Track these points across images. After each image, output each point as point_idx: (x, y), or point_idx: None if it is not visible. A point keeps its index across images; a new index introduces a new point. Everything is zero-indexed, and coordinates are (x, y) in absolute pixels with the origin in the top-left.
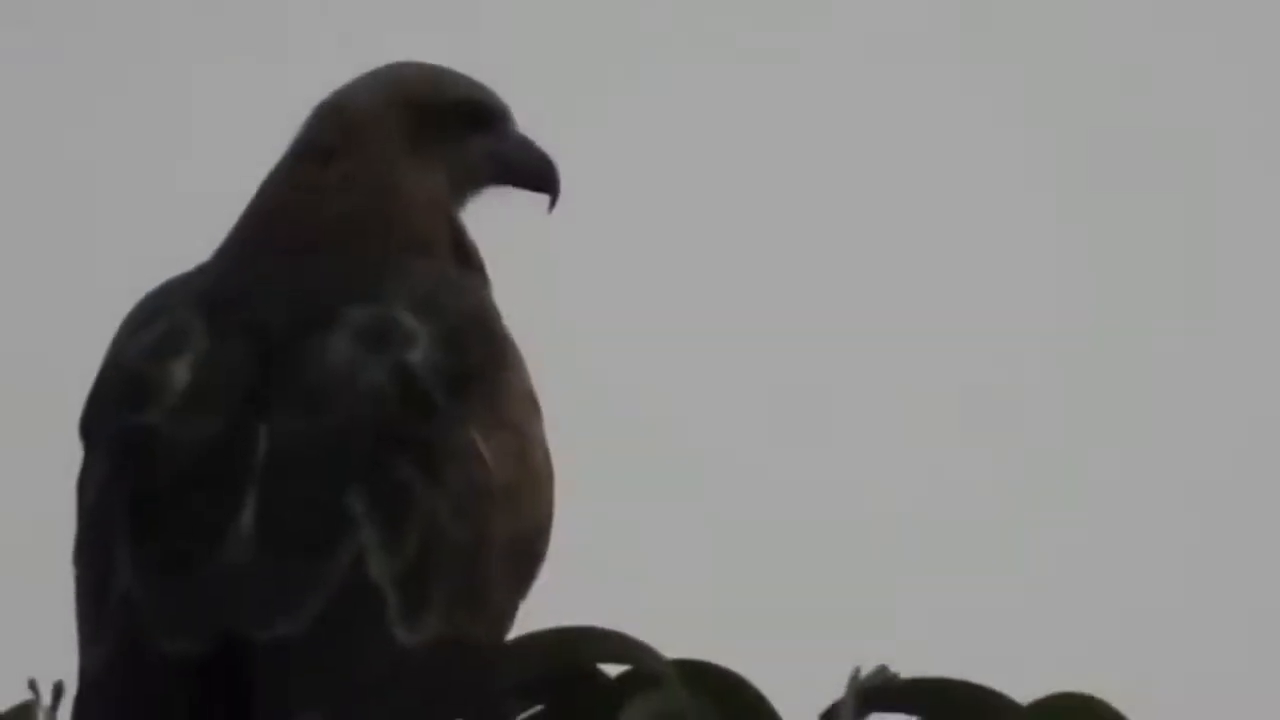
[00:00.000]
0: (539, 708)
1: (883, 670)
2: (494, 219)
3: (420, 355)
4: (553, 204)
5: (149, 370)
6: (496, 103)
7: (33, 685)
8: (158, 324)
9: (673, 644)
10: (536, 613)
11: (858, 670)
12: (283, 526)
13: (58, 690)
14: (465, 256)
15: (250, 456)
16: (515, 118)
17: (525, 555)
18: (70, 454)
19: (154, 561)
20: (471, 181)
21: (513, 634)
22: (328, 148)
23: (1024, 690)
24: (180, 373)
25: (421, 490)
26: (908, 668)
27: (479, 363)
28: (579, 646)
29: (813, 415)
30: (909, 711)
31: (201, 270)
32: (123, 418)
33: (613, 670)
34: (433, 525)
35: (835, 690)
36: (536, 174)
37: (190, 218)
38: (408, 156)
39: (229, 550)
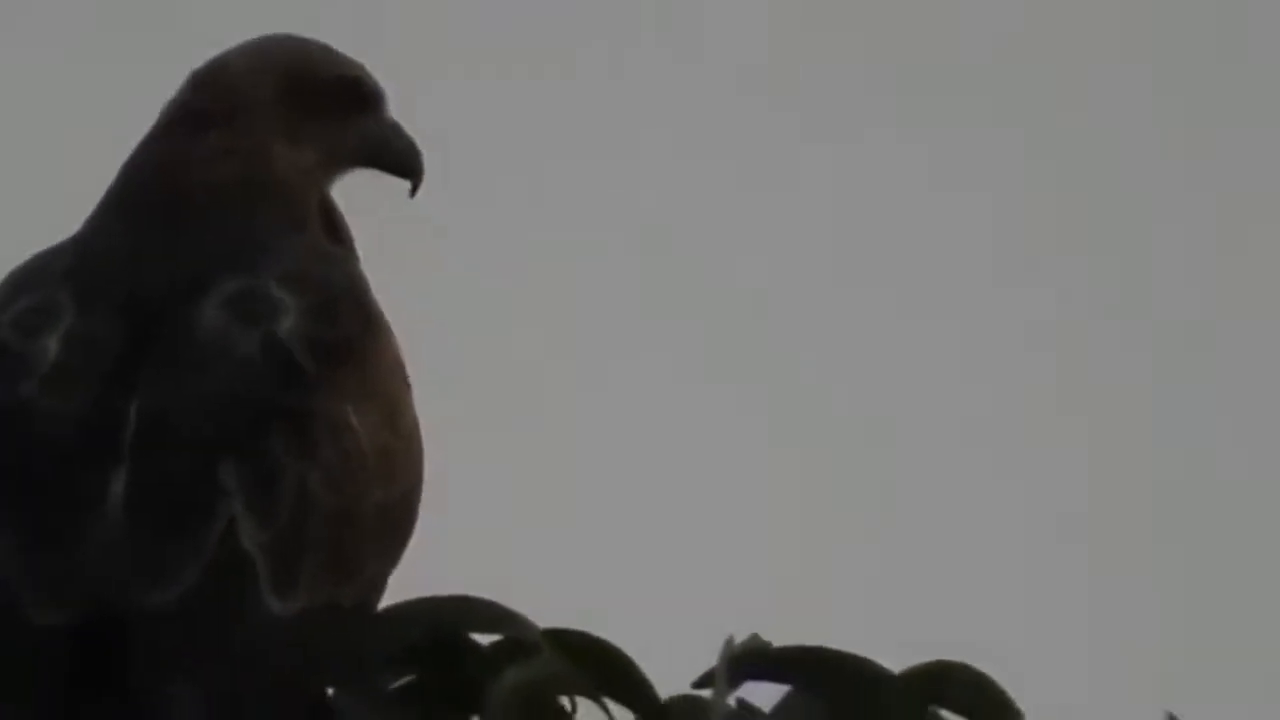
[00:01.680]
0: (412, 677)
1: (755, 639)
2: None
3: (290, 326)
4: (414, 190)
5: (18, 345)
6: (373, 85)
7: None
8: (25, 298)
9: (543, 614)
10: (407, 582)
11: (731, 638)
12: (154, 499)
13: None
14: (334, 230)
15: (120, 430)
16: (389, 103)
17: (395, 523)
18: None
19: (24, 535)
20: (343, 160)
21: (384, 603)
22: (203, 116)
23: (898, 661)
24: (50, 347)
25: (292, 460)
26: (782, 638)
27: (349, 334)
28: (451, 615)
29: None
30: (781, 680)
31: (74, 241)
32: None
33: (485, 639)
34: (303, 495)
35: (709, 659)
36: (404, 161)
37: None
38: (283, 130)
39: (100, 523)
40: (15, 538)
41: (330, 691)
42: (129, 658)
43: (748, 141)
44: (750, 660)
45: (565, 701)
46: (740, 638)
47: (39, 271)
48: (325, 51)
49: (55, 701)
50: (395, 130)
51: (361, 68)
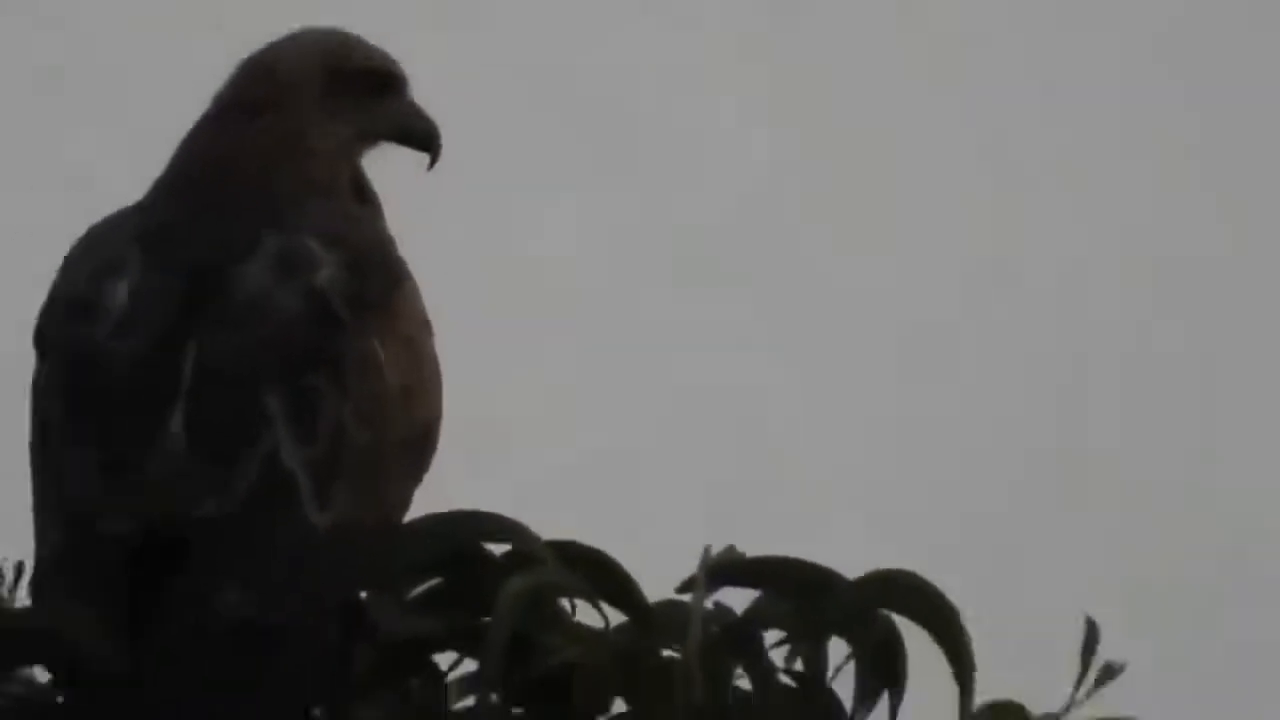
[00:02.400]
0: (434, 581)
1: (730, 549)
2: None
3: (327, 278)
4: (433, 163)
5: (92, 292)
6: (399, 72)
7: None
8: (100, 252)
9: (546, 525)
10: (430, 499)
11: (708, 549)
12: (209, 425)
13: (18, 569)
14: (364, 196)
15: (179, 368)
16: (412, 87)
17: (418, 450)
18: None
19: (95, 458)
20: (373, 136)
21: (409, 517)
22: (255, 101)
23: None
24: (119, 295)
25: (329, 394)
26: (755, 549)
27: (378, 286)
28: (466, 529)
29: None
30: (752, 585)
31: (138, 207)
32: (70, 332)
33: (496, 550)
34: (338, 424)
35: (690, 566)
36: (424, 138)
37: None
38: (322, 112)
39: (161, 446)
40: (88, 460)
41: (363, 595)
42: (185, 563)
43: None
44: (725, 568)
45: (565, 603)
46: (717, 549)
47: (111, 232)
48: (358, 42)
49: (120, 602)
50: (417, 111)
51: (389, 56)
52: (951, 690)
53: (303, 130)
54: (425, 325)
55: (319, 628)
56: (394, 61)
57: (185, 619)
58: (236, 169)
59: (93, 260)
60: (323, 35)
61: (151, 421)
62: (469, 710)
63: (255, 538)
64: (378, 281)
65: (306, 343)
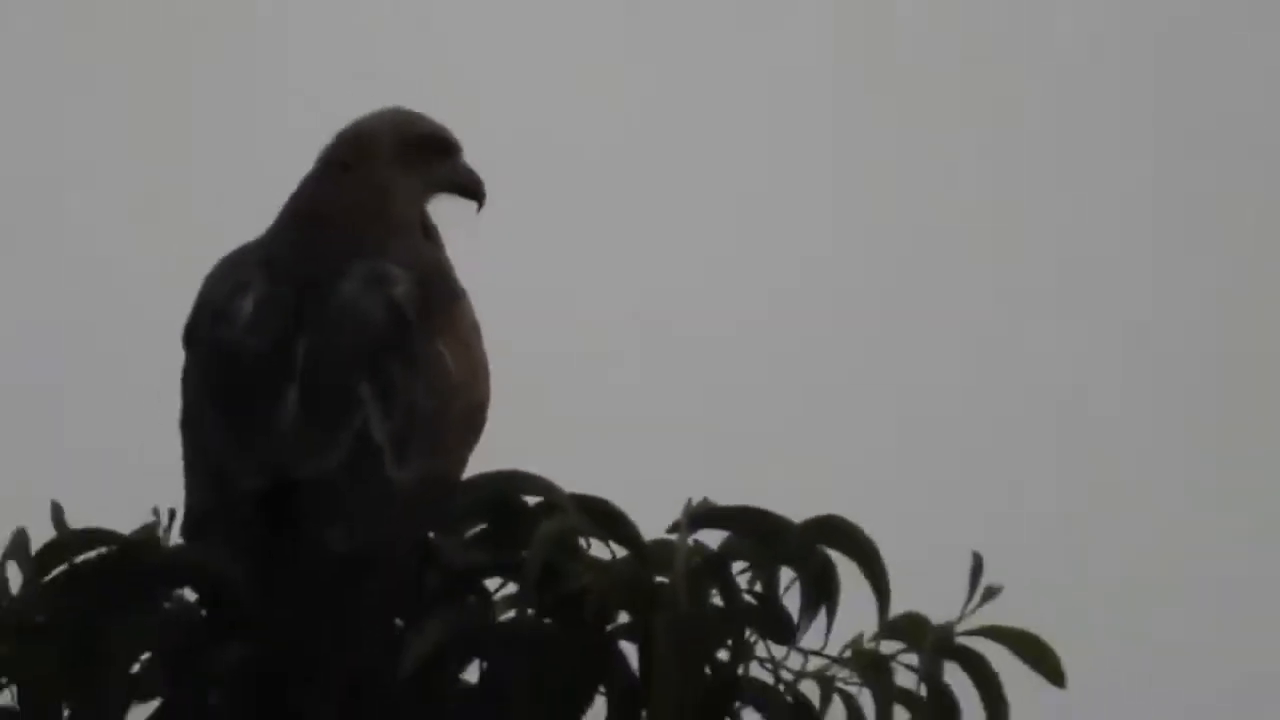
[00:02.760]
0: (483, 525)
1: (705, 501)
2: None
3: (402, 293)
4: (480, 209)
5: (227, 303)
6: (454, 140)
7: (155, 511)
8: (233, 273)
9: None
10: (480, 462)
11: (690, 500)
12: (316, 404)
13: (172, 515)
14: (430, 234)
15: (293, 359)
16: (463, 150)
17: (471, 424)
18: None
19: (230, 429)
20: (436, 189)
21: (465, 475)
22: (346, 162)
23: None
24: (247, 306)
25: (404, 380)
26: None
27: (440, 299)
28: (509, 484)
29: None
30: (722, 528)
31: (260, 241)
32: (211, 332)
33: (532, 501)
34: (411, 402)
35: (675, 513)
36: (474, 192)
37: None
38: (397, 170)
39: (280, 420)
40: (226, 432)
41: (431, 534)
42: (299, 510)
43: None
44: (702, 515)
45: (583, 542)
46: (696, 500)
47: (241, 259)
48: (422, 117)
49: (250, 541)
50: (468, 170)
51: (445, 128)
52: (872, 606)
53: (383, 185)
54: (476, 329)
55: (399, 559)
56: (449, 132)
57: (300, 553)
58: (334, 213)
59: (228, 279)
60: (396, 111)
61: (272, 400)
62: (510, 621)
63: (351, 490)
64: (440, 296)
65: (387, 341)
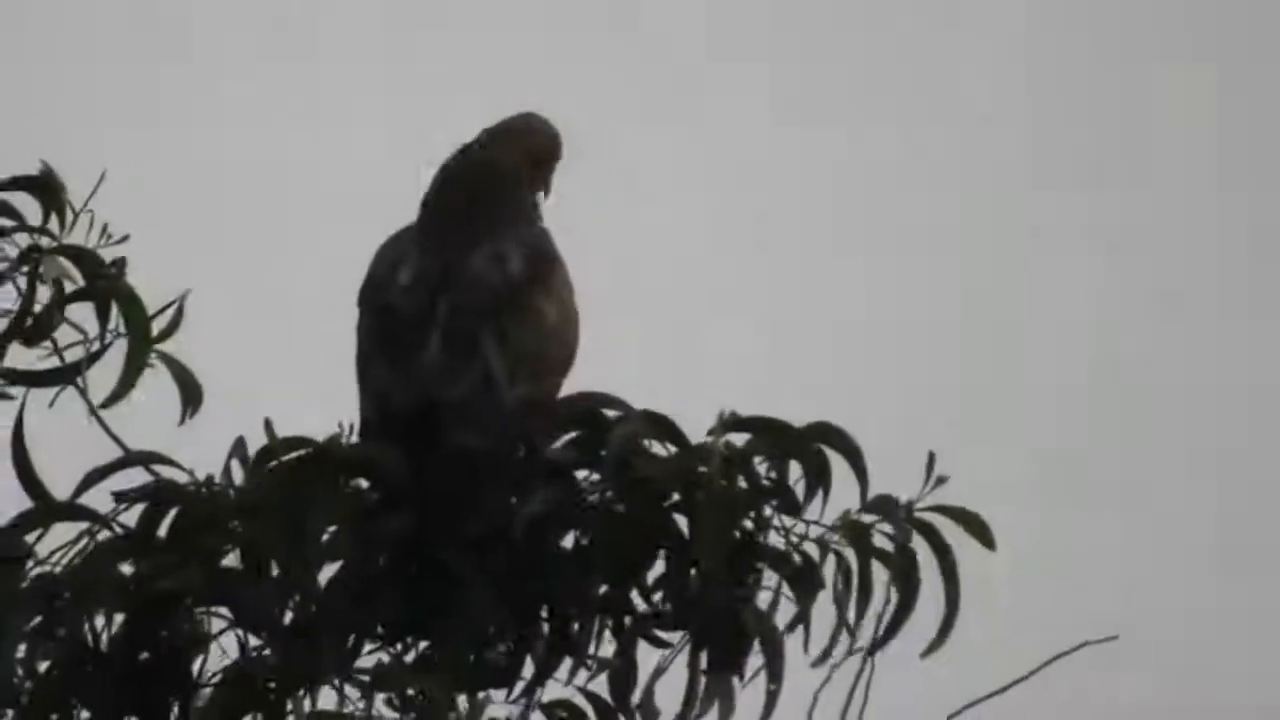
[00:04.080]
0: (576, 433)
1: (733, 412)
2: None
3: (516, 266)
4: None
5: (389, 273)
6: (563, 142)
7: (339, 424)
8: (393, 249)
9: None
10: (569, 386)
11: (723, 410)
12: (453, 346)
13: (351, 426)
14: (538, 215)
15: (436, 313)
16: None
17: (565, 358)
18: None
19: (390, 362)
20: (547, 183)
21: (560, 394)
22: (482, 150)
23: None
24: (404, 274)
25: (515, 327)
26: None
27: (541, 268)
28: (592, 400)
29: None
30: (745, 431)
31: (414, 223)
32: (376, 295)
33: (610, 413)
34: (521, 344)
35: (710, 421)
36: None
37: None
38: (525, 162)
39: (427, 356)
40: (387, 365)
41: (535, 438)
42: (442, 420)
43: None
44: (731, 422)
45: (646, 443)
46: (728, 410)
47: (400, 238)
48: (555, 132)
49: (406, 442)
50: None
51: (562, 136)
52: (854, 491)
53: (512, 178)
54: (570, 288)
55: (514, 456)
56: (562, 140)
57: (443, 450)
58: (468, 198)
59: (389, 255)
60: (529, 116)
61: (420, 342)
62: (593, 504)
63: (479, 406)
64: (541, 265)
65: (502, 300)
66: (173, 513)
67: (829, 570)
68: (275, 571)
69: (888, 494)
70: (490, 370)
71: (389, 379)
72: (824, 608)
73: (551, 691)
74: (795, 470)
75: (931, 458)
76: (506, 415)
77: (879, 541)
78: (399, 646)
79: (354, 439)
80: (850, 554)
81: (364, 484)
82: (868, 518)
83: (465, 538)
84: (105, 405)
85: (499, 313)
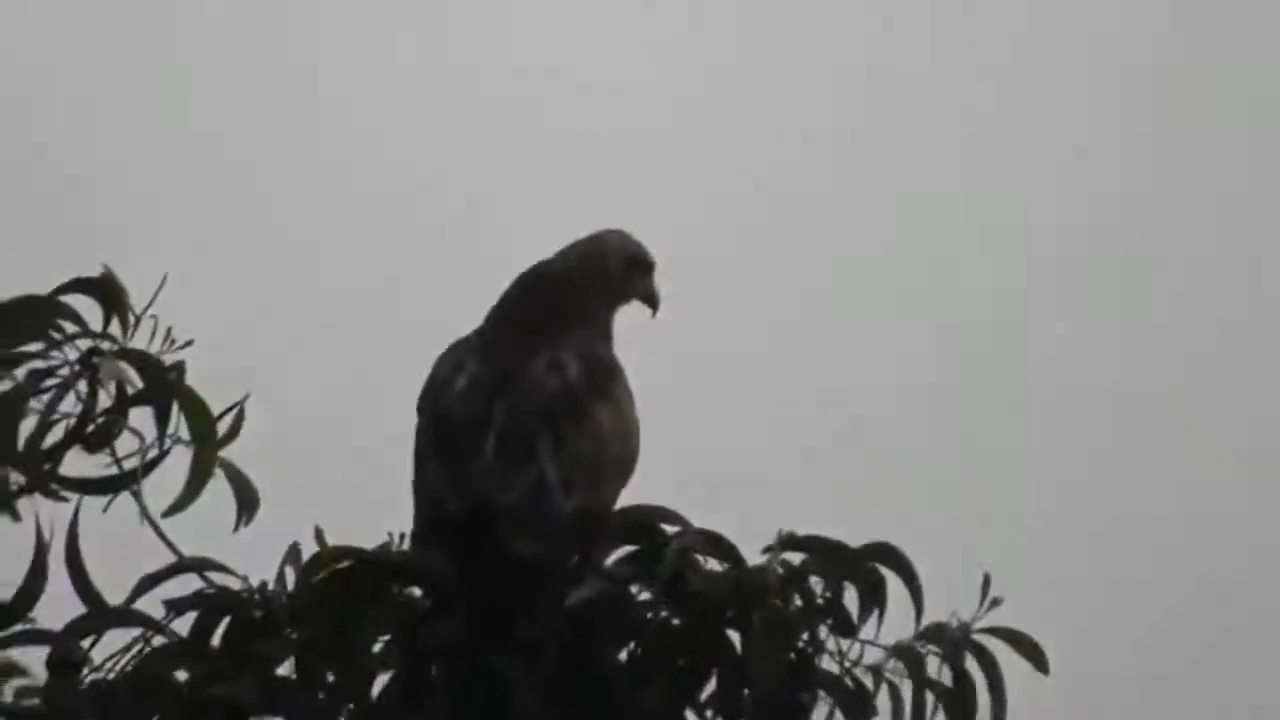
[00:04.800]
0: (632, 547)
1: (790, 532)
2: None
3: (574, 373)
4: (654, 313)
5: (448, 379)
6: (653, 263)
7: (389, 532)
8: (453, 355)
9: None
10: (627, 498)
11: (780, 530)
12: (508, 451)
13: (402, 536)
14: (608, 333)
15: (492, 418)
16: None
17: (622, 471)
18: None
19: (445, 466)
20: (629, 298)
21: (617, 507)
22: (561, 270)
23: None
24: (462, 381)
25: (571, 435)
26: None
27: (601, 376)
28: (649, 514)
29: None
30: (802, 551)
31: (478, 330)
32: (434, 402)
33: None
34: (577, 453)
35: (769, 538)
36: (653, 305)
37: None
38: (605, 279)
39: (481, 461)
40: (442, 470)
41: (589, 549)
42: (495, 527)
43: None
44: (788, 541)
45: (700, 559)
46: (785, 529)
47: (461, 346)
48: (631, 241)
49: (459, 549)
50: (651, 286)
51: (648, 251)
52: (910, 611)
53: (580, 288)
54: (630, 397)
55: (567, 565)
56: (649, 253)
57: (495, 559)
58: (532, 309)
59: (450, 361)
60: (611, 233)
61: (476, 447)
62: (648, 619)
63: (532, 514)
64: (601, 374)
65: (559, 406)
66: (226, 620)
67: (883, 696)
68: (328, 679)
69: (941, 621)
70: (545, 476)
71: (443, 482)
72: None
73: None
74: (850, 590)
75: (986, 580)
76: (560, 522)
77: (932, 669)
78: None
79: (404, 546)
80: (905, 684)
81: (416, 592)
82: (923, 646)
83: (516, 644)
84: (167, 514)
85: (555, 419)
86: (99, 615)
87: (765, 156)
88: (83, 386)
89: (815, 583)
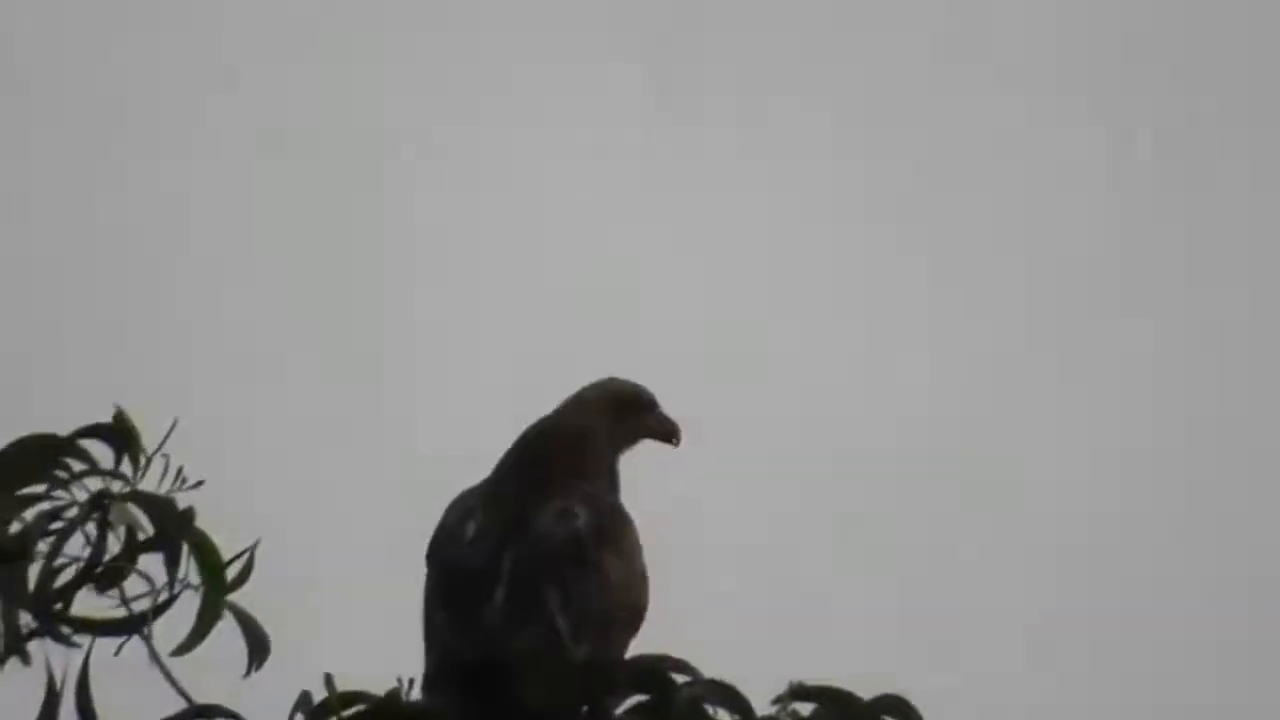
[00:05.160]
0: (642, 697)
1: (800, 683)
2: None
3: (583, 522)
4: (676, 445)
5: (456, 528)
6: (653, 400)
7: (398, 679)
8: (462, 505)
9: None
10: (637, 646)
11: (791, 680)
12: (518, 602)
13: (412, 681)
14: (613, 480)
15: (501, 567)
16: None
17: (632, 621)
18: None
19: (454, 615)
20: (636, 439)
21: (628, 655)
22: (564, 418)
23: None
24: (470, 529)
25: (580, 586)
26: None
27: (609, 528)
28: (659, 665)
29: None
30: (811, 701)
31: (486, 479)
32: (442, 549)
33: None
34: (586, 604)
35: (779, 688)
36: (670, 434)
37: None
38: (605, 425)
39: (490, 610)
40: (452, 620)
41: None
42: (504, 676)
43: None
44: (798, 690)
45: (710, 709)
46: (795, 679)
47: (469, 495)
48: (634, 385)
49: (471, 699)
50: (663, 419)
51: (649, 393)
52: None
53: (586, 437)
54: (639, 549)
55: (578, 715)
56: (651, 394)
57: (506, 707)
58: (540, 458)
59: (459, 509)
60: (612, 382)
61: (485, 596)
62: None
63: (541, 663)
64: (609, 525)
65: (567, 558)
66: None
67: None
68: None
69: None
70: (554, 626)
71: (451, 632)
72: None
73: None
74: None
75: None
76: (569, 672)
77: None
78: None
79: (414, 693)
80: None
81: None
82: None
83: None
84: (176, 654)
85: (564, 569)
86: None
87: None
88: (91, 529)
89: None
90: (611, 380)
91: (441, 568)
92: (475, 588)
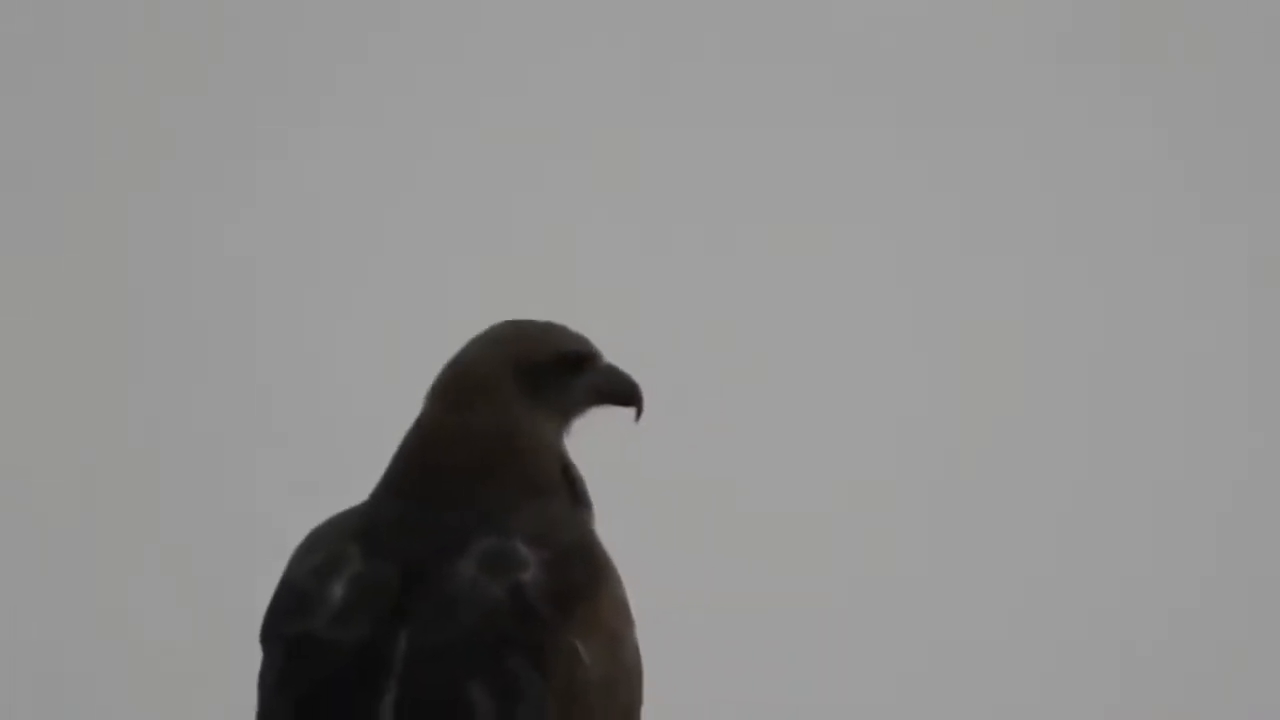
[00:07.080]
0: None
1: None
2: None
3: (530, 577)
4: (638, 415)
5: (312, 587)
6: (586, 348)
7: None
8: (321, 550)
9: None
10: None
11: None
12: (419, 713)
13: None
14: (574, 490)
15: (391, 656)
16: (600, 352)
17: None
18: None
19: None
20: (576, 412)
21: None
22: (460, 404)
23: None
24: (337, 589)
25: (529, 682)
26: None
27: (581, 583)
28: None
29: None
30: None
31: (361, 508)
32: (289, 626)
33: None
34: (541, 711)
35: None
36: (626, 396)
37: None
38: (524, 407)
39: None
40: None
41: None
42: None
43: None
44: None
45: None
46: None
47: (333, 530)
48: (544, 331)
49: None
50: (612, 373)
51: (578, 337)
52: None
53: (509, 430)
54: (627, 617)
55: None
56: (578, 339)
57: None
58: (450, 471)
59: (316, 555)
60: (505, 332)
61: (364, 707)
62: None
63: None
64: (581, 578)
65: (509, 635)
66: None
67: None
68: None
69: None
70: None
71: None
72: None
73: None
74: None
75: None
76: None
77: None
78: None
79: None
80: None
81: None
82: None
83: None
84: None
85: (500, 657)
86: None
87: None
88: None
89: None
90: (511, 336)
91: (290, 654)
92: (346, 695)
